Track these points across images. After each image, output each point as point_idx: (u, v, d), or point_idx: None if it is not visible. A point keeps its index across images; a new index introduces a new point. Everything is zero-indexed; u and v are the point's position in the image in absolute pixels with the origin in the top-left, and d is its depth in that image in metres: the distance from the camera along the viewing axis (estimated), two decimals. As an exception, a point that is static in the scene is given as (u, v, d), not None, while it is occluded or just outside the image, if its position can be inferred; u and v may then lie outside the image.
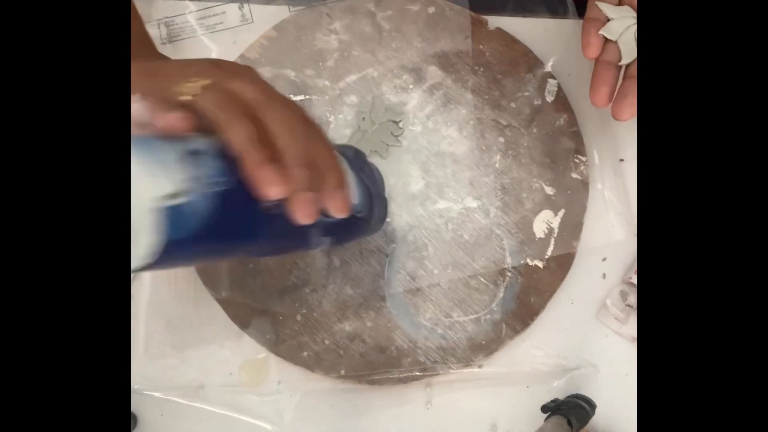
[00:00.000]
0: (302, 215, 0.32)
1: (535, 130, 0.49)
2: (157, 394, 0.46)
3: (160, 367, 0.47)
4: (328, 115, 0.50)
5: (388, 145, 0.49)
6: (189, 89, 0.33)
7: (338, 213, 0.34)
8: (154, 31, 0.51)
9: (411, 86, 0.50)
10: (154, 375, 0.46)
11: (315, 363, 0.46)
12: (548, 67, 0.50)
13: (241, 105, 0.33)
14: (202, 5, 0.52)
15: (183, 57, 0.43)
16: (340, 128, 0.50)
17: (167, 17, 0.51)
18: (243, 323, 0.47)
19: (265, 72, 0.50)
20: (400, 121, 0.50)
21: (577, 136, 0.48)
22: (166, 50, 0.51)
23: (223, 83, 0.33)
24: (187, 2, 0.52)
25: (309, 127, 0.34)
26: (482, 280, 0.47)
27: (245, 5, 0.52)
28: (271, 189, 0.31)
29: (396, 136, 0.49)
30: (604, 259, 0.48)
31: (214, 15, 0.52)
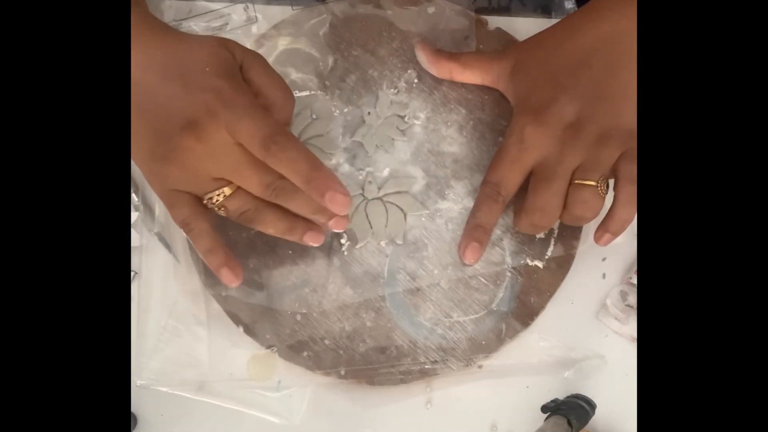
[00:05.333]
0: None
1: (535, 130, 0.49)
2: (161, 389, 0.46)
3: (159, 367, 0.46)
4: (333, 109, 0.50)
5: (393, 139, 0.49)
6: (216, 203, 0.41)
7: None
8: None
9: (411, 86, 0.50)
10: (154, 376, 0.46)
11: (315, 363, 0.46)
12: (548, 67, 0.49)
13: (258, 191, 0.40)
14: (207, 9, 0.52)
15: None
16: (343, 124, 0.50)
17: (174, 20, 0.52)
18: (243, 323, 0.47)
19: (265, 72, 0.50)
20: (406, 115, 0.50)
21: (577, 136, 0.48)
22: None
23: (233, 130, 0.38)
24: (192, 2, 0.52)
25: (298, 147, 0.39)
26: (482, 280, 0.47)
27: (250, 6, 0.52)
28: (316, 239, 0.44)
29: (402, 130, 0.49)
30: (604, 259, 0.48)
31: (220, 17, 0.52)
